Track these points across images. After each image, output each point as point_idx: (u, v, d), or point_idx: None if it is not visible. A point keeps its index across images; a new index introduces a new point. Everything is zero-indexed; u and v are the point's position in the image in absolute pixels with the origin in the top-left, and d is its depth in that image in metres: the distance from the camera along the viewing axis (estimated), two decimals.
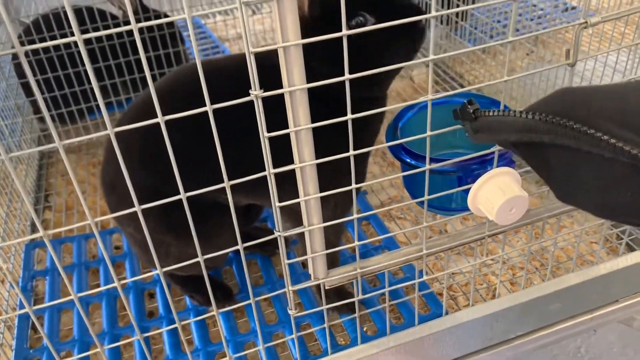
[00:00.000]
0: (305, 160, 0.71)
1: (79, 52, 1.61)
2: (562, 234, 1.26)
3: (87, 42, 1.56)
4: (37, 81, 1.58)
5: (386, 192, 1.48)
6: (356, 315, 0.92)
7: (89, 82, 1.64)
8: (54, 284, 1.24)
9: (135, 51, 1.62)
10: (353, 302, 0.91)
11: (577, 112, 0.59)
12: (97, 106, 1.70)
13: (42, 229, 0.63)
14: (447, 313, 1.04)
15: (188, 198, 0.64)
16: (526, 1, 2.09)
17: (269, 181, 0.70)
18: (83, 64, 1.61)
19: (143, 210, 0.62)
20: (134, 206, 0.62)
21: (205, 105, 0.59)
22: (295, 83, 0.65)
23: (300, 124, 0.68)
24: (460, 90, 0.75)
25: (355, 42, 0.70)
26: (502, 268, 1.05)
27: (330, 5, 0.75)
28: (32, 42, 1.58)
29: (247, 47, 0.60)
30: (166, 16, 1.73)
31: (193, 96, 0.63)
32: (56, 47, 1.58)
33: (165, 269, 0.70)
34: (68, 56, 1.60)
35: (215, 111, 0.59)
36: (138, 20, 1.81)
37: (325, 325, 0.91)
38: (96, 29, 1.61)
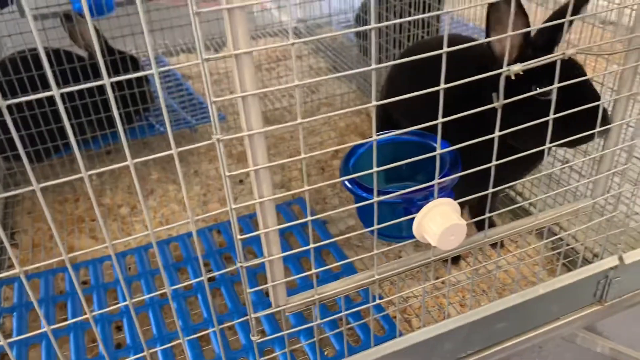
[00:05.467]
0: None
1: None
2: (504, 257, 1.36)
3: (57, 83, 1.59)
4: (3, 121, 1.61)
5: (345, 222, 1.56)
6: (315, 339, 0.99)
7: (56, 122, 1.68)
8: (21, 320, 1.27)
9: (100, 92, 1.66)
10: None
11: None
12: (64, 144, 1.73)
13: (19, 265, 0.68)
14: (401, 334, 1.11)
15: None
16: None
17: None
18: (50, 105, 1.65)
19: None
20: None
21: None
22: None
23: None
24: (406, 129, 0.83)
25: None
26: (449, 290, 1.13)
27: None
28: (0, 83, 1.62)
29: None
30: (132, 57, 1.79)
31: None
32: (23, 89, 1.63)
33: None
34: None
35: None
36: (107, 62, 1.83)
37: (286, 350, 0.97)
38: (63, 71, 1.66)
